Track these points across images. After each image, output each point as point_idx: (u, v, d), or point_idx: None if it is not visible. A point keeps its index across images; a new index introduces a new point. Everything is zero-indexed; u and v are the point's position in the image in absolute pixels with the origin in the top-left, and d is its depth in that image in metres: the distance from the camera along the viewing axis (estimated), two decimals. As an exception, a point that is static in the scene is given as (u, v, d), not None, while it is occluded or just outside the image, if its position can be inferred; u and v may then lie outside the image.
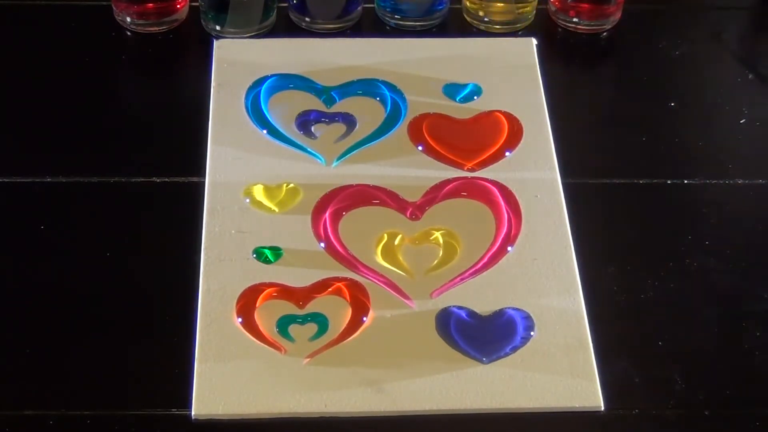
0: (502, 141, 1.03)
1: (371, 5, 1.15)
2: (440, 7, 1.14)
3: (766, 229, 0.99)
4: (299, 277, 0.93)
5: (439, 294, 0.92)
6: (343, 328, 0.90)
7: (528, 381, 0.87)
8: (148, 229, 0.97)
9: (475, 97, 1.07)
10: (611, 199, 1.01)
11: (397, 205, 0.98)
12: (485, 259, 0.95)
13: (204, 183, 0.99)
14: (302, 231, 0.96)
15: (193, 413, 0.85)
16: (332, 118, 1.05)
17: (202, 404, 0.85)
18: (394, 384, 0.87)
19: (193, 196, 0.98)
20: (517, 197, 0.99)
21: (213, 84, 1.07)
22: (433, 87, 1.07)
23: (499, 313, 0.91)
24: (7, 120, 1.06)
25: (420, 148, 1.03)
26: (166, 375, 0.87)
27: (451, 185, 1.00)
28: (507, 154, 1.02)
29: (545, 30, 1.15)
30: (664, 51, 1.14)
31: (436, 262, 0.95)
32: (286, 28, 1.14)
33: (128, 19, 1.12)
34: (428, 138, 1.03)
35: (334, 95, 1.06)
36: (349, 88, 1.07)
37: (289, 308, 0.91)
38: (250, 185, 0.99)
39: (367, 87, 1.07)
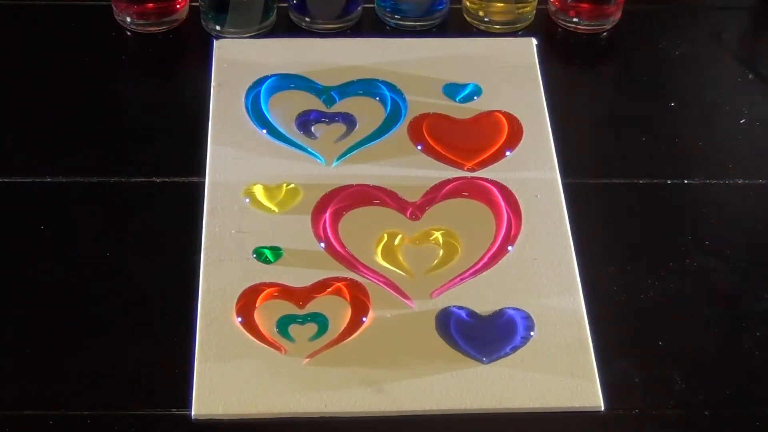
0: (502, 141, 1.03)
1: (371, 5, 1.15)
2: (440, 7, 1.14)
3: (766, 229, 0.99)
4: (299, 277, 0.93)
5: (439, 294, 0.92)
6: (343, 328, 0.90)
7: (528, 381, 0.87)
8: (148, 229, 0.97)
9: (475, 97, 1.07)
10: (611, 199, 1.01)
11: (397, 205, 0.98)
12: (485, 259, 0.95)
13: (204, 183, 0.99)
14: (302, 231, 0.96)
15: (193, 413, 0.85)
16: (332, 118, 1.05)
17: (202, 404, 0.85)
18: (394, 384, 0.87)
19: (193, 196, 0.98)
20: (517, 197, 0.99)
21: (213, 84, 1.07)
22: (433, 87, 1.07)
23: (499, 313, 0.91)
24: (7, 120, 1.06)
25: (420, 148, 1.03)
26: (166, 375, 0.87)
27: (451, 185, 1.00)
28: (507, 154, 1.02)
29: (545, 30, 1.15)
30: (664, 51, 1.14)
31: (436, 262, 0.95)
32: (286, 28, 1.14)
33: (128, 19, 1.12)
34: (428, 138, 1.03)
35: (334, 95, 1.06)
36: (349, 88, 1.07)
37: (289, 308, 0.91)
38: (250, 185, 0.99)
39: (367, 87, 1.07)
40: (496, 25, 1.14)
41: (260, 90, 1.06)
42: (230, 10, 1.11)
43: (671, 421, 0.86)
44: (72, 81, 1.09)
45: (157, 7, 1.12)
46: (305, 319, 0.90)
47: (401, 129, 1.04)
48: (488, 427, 0.86)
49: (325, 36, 1.13)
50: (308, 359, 0.88)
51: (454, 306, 0.91)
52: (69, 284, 0.93)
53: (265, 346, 0.89)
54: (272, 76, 1.08)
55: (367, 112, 1.05)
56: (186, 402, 0.86)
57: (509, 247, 0.96)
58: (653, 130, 1.06)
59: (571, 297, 0.92)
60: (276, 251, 0.94)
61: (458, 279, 0.93)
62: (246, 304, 0.91)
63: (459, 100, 1.07)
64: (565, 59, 1.14)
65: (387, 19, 1.14)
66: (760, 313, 0.93)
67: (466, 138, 1.04)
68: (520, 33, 1.14)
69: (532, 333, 0.90)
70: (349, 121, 1.04)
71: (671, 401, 0.87)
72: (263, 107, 1.05)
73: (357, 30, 1.14)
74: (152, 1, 1.12)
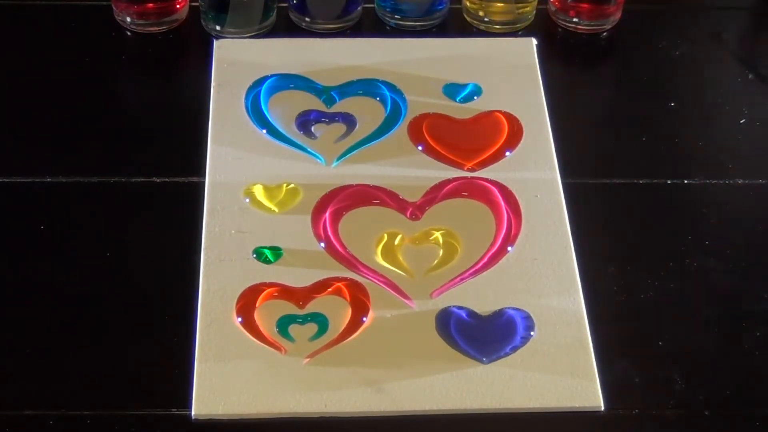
0: (502, 141, 1.03)
1: (371, 5, 1.15)
2: (440, 7, 1.14)
3: (766, 229, 0.99)
4: (299, 277, 0.93)
5: (439, 294, 0.92)
6: (343, 328, 0.90)
7: (528, 381, 0.87)
8: (148, 229, 0.97)
9: (475, 97, 1.07)
10: (611, 199, 1.01)
11: (397, 205, 0.98)
12: (485, 259, 0.95)
13: (204, 183, 0.99)
14: (302, 231, 0.96)
15: (193, 413, 0.85)
16: (332, 118, 1.05)
17: (202, 404, 0.85)
18: (394, 384, 0.87)
19: (193, 196, 0.98)
20: (517, 197, 0.99)
21: (213, 84, 1.07)
22: (433, 87, 1.07)
23: (499, 313, 0.91)
24: (7, 120, 1.06)
25: (420, 148, 1.03)
26: (166, 375, 0.87)
27: (451, 185, 1.00)
28: (507, 154, 1.02)
29: (545, 30, 1.15)
30: (664, 51, 1.14)
31: (436, 262, 0.95)
32: (286, 28, 1.14)
33: (128, 19, 1.12)
34: (428, 138, 1.03)
35: (334, 95, 1.06)
36: (349, 88, 1.07)
37: (289, 308, 0.91)
38: (250, 185, 0.99)
39: (367, 87, 1.07)
40: (496, 25, 1.14)
41: (260, 90, 1.06)
42: (230, 10, 1.11)
43: (671, 421, 0.86)
44: (72, 81, 1.09)
45: (157, 7, 1.12)
46: (305, 319, 0.90)
47: (401, 129, 1.04)
48: (488, 427, 0.86)
49: (325, 36, 1.13)
50: (308, 359, 0.88)
51: (454, 306, 0.91)
52: (69, 284, 0.93)
53: (265, 346, 0.89)
54: (272, 76, 1.08)
55: (367, 112, 1.05)
56: (186, 402, 0.86)
57: (509, 247, 0.96)
58: (653, 130, 1.06)
59: (571, 297, 0.92)
60: (276, 251, 0.94)
61: (458, 279, 0.93)
62: (246, 304, 0.91)
63: (459, 100, 1.07)
64: (565, 59, 1.14)
65: (387, 19, 1.14)
66: (760, 313, 0.93)
67: (466, 138, 1.04)
68: (520, 33, 1.14)
69: (532, 333, 0.90)
70: (349, 121, 1.04)
71: (671, 401, 0.87)
72: (263, 107, 1.05)
73: (357, 30, 1.14)
74: (152, 1, 1.12)
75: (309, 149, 1.02)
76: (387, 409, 0.86)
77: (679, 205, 1.00)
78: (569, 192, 1.00)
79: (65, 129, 1.05)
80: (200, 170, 1.00)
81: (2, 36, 1.13)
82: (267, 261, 0.94)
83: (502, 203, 0.98)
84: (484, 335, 0.90)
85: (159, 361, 0.88)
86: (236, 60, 1.09)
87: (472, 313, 0.91)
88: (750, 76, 1.12)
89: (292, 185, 0.99)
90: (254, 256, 0.94)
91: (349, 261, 0.94)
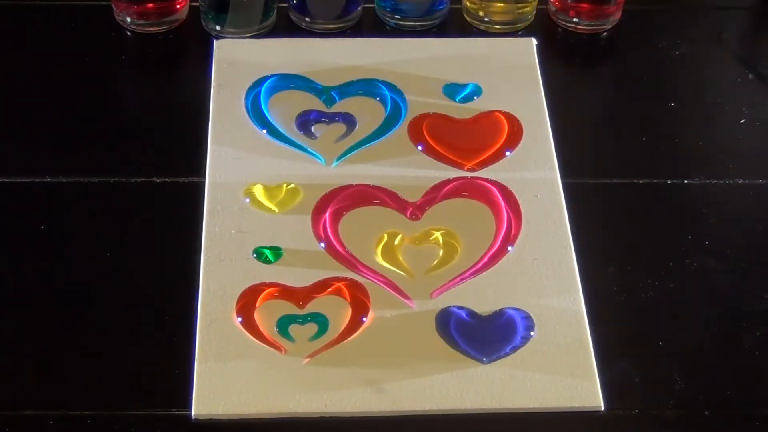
0: (502, 141, 1.03)
1: (371, 5, 1.15)
2: (440, 7, 1.14)
3: (766, 229, 0.99)
4: (299, 277, 0.93)
5: (439, 294, 0.92)
6: (343, 328, 0.90)
7: (528, 381, 0.87)
8: (148, 229, 0.97)
9: (475, 97, 1.07)
10: (611, 199, 1.01)
11: (397, 205, 0.98)
12: (485, 259, 0.95)
13: (204, 183, 0.99)
14: (302, 231, 0.96)
15: (193, 413, 0.85)
16: (332, 118, 1.05)
17: (202, 404, 0.85)
18: (394, 384, 0.87)
19: (193, 196, 0.98)
20: (517, 197, 0.99)
21: (213, 84, 1.07)
22: (433, 87, 1.07)
23: (499, 313, 0.91)
24: (7, 120, 1.06)
25: (420, 148, 1.03)
26: (166, 375, 0.87)
27: (451, 185, 1.00)
28: (507, 154, 1.02)
29: (545, 30, 1.15)
30: (664, 51, 1.14)
31: (436, 262, 0.95)
32: (286, 28, 1.14)
33: (128, 19, 1.12)
34: (428, 138, 1.03)
35: (334, 95, 1.06)
36: (349, 88, 1.07)
37: (289, 308, 0.91)
38: (250, 185, 0.99)
39: (367, 87, 1.07)
40: (496, 25, 1.14)
41: (260, 90, 1.06)
42: (230, 10, 1.11)
43: (671, 421, 0.86)
44: (72, 81, 1.09)
45: (157, 7, 1.12)
46: (305, 319, 0.90)
47: (401, 129, 1.04)
48: (488, 427, 0.86)
49: (325, 36, 1.13)
50: (308, 359, 0.88)
51: (454, 306, 0.91)
52: (69, 284, 0.93)
53: (265, 346, 0.89)
54: (272, 76, 1.08)
55: (367, 112, 1.05)
56: (186, 402, 0.86)
57: (509, 247, 0.96)
58: (653, 130, 1.06)
59: (571, 297, 0.92)
60: (276, 251, 0.94)
61: (458, 279, 0.93)
62: (246, 304, 0.91)
63: (459, 100, 1.07)
64: (565, 59, 1.14)
65: (387, 19, 1.14)
66: (760, 313, 0.93)
67: (466, 138, 1.04)
68: (520, 33, 1.14)
69: (532, 333, 0.90)
70: (349, 121, 1.04)
71: (671, 401, 0.87)
72: (263, 107, 1.05)
73: (357, 30, 1.14)
74: (152, 1, 1.12)
75: (309, 149, 1.02)
76: (387, 409, 0.86)
77: (679, 205, 1.00)
78: (569, 192, 1.00)
79: (65, 129, 1.05)
80: (200, 170, 1.00)
81: (2, 36, 1.13)
82: (267, 261, 0.94)
83: (502, 203, 0.98)
84: (484, 335, 0.90)
85: (159, 361, 0.88)
86: (236, 60, 1.09)
87: (472, 313, 0.91)
88: (750, 76, 1.12)
89: (292, 185, 0.99)
90: (254, 256, 0.94)
91: (349, 261, 0.94)
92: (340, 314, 0.91)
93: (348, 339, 0.89)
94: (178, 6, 1.13)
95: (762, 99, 1.10)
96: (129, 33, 1.13)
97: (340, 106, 1.06)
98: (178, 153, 1.02)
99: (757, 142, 1.06)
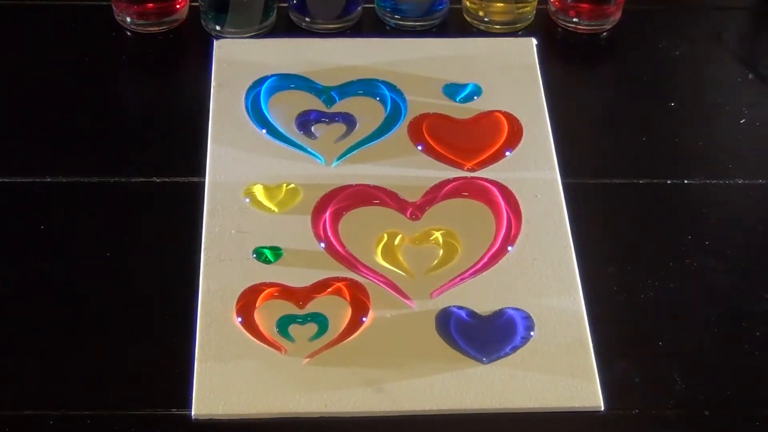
0: (502, 141, 1.03)
1: (371, 5, 1.15)
2: (440, 7, 1.14)
3: (766, 229, 0.99)
4: (299, 277, 0.93)
5: (439, 294, 0.92)
6: (343, 328, 0.90)
7: (528, 381, 0.87)
8: (148, 229, 0.97)
9: (475, 97, 1.07)
10: (611, 199, 1.01)
11: (397, 205, 0.98)
12: (485, 259, 0.95)
13: (204, 183, 0.99)
14: (302, 231, 0.96)
15: (193, 413, 0.85)
16: (332, 118, 1.05)
17: (202, 404, 0.85)
18: (394, 384, 0.87)
19: (193, 196, 0.98)
20: (517, 197, 0.99)
21: (213, 84, 1.07)
22: (433, 87, 1.07)
23: (499, 313, 0.91)
24: (7, 120, 1.06)
25: (420, 148, 1.03)
26: (166, 375, 0.87)
27: (451, 185, 1.00)
28: (507, 154, 1.02)
29: (545, 30, 1.15)
30: (664, 51, 1.14)
31: (436, 262, 0.95)
32: (286, 28, 1.14)
33: (128, 19, 1.12)
34: (428, 138, 1.03)
35: (334, 95, 1.06)
36: (349, 88, 1.07)
37: (289, 308, 0.91)
38: (250, 185, 0.99)
39: (367, 87, 1.07)
40: (496, 25, 1.14)
41: (260, 90, 1.06)
42: (230, 10, 1.11)
43: (671, 421, 0.86)
44: (72, 81, 1.09)
45: (157, 7, 1.12)
46: (305, 319, 0.90)
47: (401, 129, 1.04)
48: (488, 427, 0.86)
49: (325, 36, 1.13)
50: (308, 359, 0.88)
51: (454, 306, 0.91)
52: (69, 284, 0.93)
53: (265, 346, 0.89)
54: (272, 76, 1.08)
55: (367, 112, 1.05)
56: (186, 402, 0.86)
57: (509, 247, 0.96)
58: (653, 130, 1.06)
59: (571, 297, 0.92)
60: (276, 251, 0.94)
61: (458, 279, 0.93)
62: (246, 304, 0.91)
63: (459, 100, 1.07)
64: (565, 59, 1.14)
65: (387, 19, 1.14)
66: (760, 313, 0.93)
67: (466, 138, 1.04)
68: (520, 33, 1.14)
69: (532, 333, 0.90)
70: (349, 121, 1.04)
71: (671, 401, 0.87)
72: (263, 107, 1.05)
73: (357, 30, 1.14)
74: (152, 1, 1.12)
75: (309, 149, 1.02)
76: (387, 409, 0.86)
77: (679, 205, 1.00)
78: (569, 192, 1.00)
79: (65, 129, 1.05)
80: (200, 170, 1.00)
81: (2, 36, 1.13)
82: (267, 261, 0.94)
83: (502, 203, 0.98)
84: (484, 335, 0.90)
85: (159, 361, 0.88)
86: (236, 60, 1.09)
87: (472, 313, 0.91)
88: (750, 76, 1.12)
89: (292, 185, 0.99)
90: (254, 256, 0.94)
91: (349, 261, 0.94)
92: (340, 314, 0.91)
93: (348, 339, 0.89)
94: (178, 6, 1.13)
95: (762, 99, 1.10)
96: (129, 33, 1.13)
97: (340, 106, 1.06)
98: (178, 153, 1.02)
99: (757, 142, 1.06)
